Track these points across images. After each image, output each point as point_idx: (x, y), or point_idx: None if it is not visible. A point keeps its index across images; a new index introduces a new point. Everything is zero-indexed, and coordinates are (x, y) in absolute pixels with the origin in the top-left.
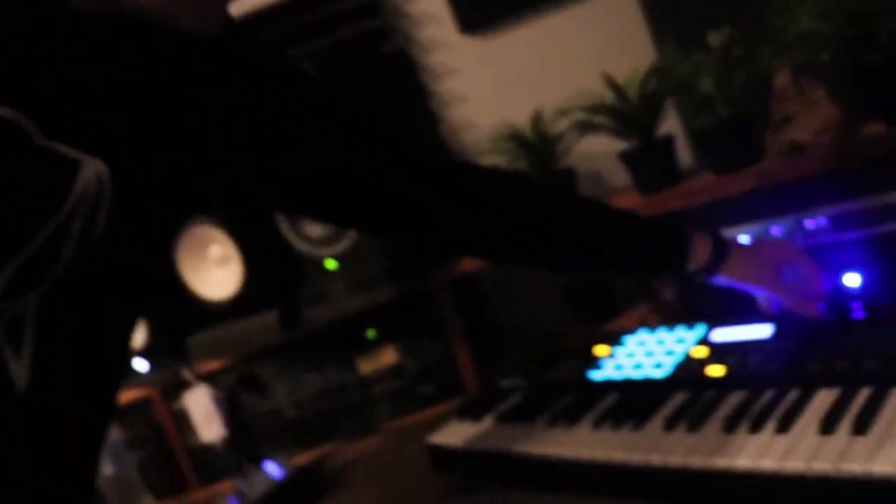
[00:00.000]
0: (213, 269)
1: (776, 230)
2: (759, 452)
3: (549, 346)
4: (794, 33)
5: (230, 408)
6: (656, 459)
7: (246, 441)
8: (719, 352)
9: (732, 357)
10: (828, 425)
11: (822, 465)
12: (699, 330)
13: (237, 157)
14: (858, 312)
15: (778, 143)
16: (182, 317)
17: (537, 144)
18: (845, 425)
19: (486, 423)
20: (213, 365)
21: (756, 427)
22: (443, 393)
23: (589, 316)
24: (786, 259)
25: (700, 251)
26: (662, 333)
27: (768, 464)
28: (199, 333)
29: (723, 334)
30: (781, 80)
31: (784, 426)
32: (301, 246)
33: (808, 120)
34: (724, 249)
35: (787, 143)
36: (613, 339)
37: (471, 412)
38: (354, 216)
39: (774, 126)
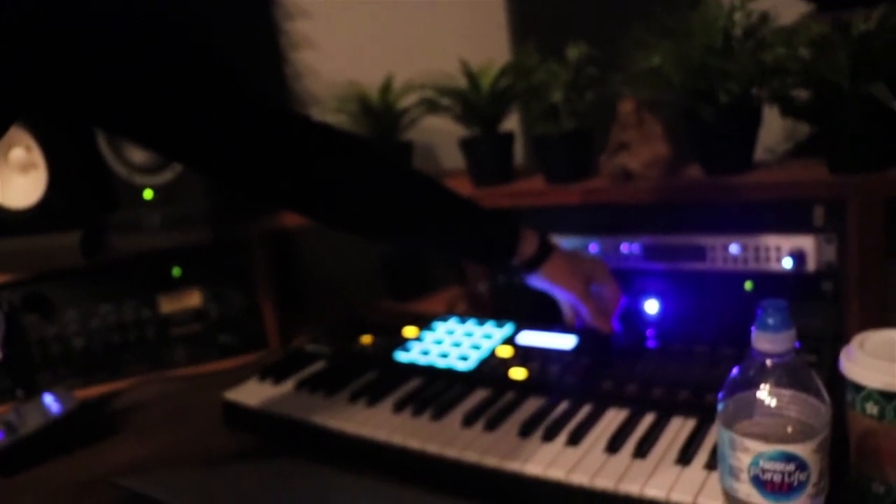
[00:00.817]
0: (14, 175)
1: (593, 247)
2: (549, 461)
3: (359, 317)
4: (644, 68)
5: (8, 328)
6: (452, 453)
7: (22, 367)
8: (523, 355)
9: (535, 362)
10: (614, 444)
11: (604, 482)
12: (507, 328)
13: (62, 60)
14: (652, 340)
15: (610, 166)
16: None
17: (382, 112)
18: (629, 446)
19: (287, 387)
20: None
21: (549, 436)
22: (243, 345)
23: (399, 291)
24: (597, 275)
25: (528, 246)
26: (472, 325)
27: (556, 473)
28: None
29: (529, 338)
30: (625, 106)
31: (575, 439)
32: (119, 169)
33: (641, 151)
34: (547, 251)
35: (619, 167)
36: (424, 323)
37: (272, 373)
38: (172, 146)
39: (610, 149)
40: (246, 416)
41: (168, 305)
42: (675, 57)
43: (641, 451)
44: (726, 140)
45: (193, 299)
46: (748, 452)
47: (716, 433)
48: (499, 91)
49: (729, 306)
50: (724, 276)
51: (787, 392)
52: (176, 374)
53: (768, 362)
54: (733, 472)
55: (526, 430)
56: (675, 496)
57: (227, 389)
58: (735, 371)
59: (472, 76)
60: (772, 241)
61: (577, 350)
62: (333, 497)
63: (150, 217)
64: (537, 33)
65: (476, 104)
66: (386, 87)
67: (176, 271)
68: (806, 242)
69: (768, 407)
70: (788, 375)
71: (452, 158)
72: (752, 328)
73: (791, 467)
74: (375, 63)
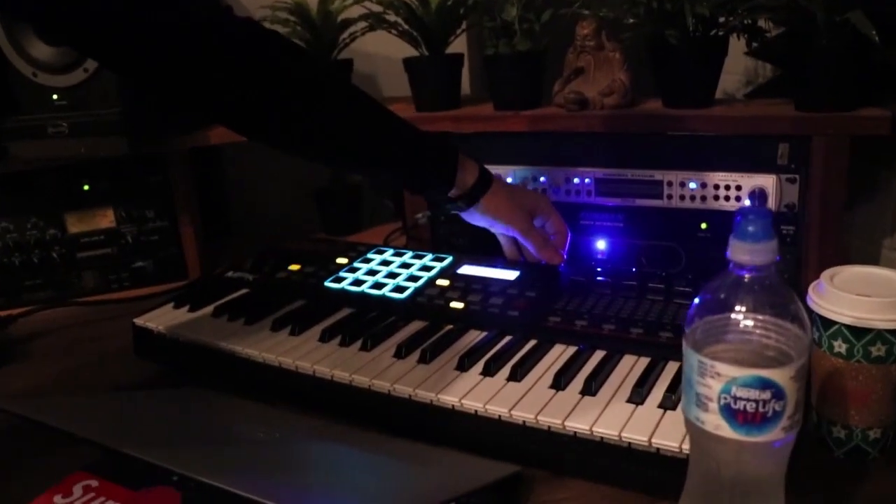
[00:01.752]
0: None
1: (543, 180)
2: (489, 396)
3: (287, 245)
4: None
5: None
6: (382, 386)
7: None
8: (464, 287)
9: (475, 294)
10: (560, 381)
11: (549, 418)
12: (447, 261)
13: None
14: (602, 277)
15: (564, 94)
16: None
17: (321, 26)
18: (577, 383)
19: (203, 314)
20: None
21: (490, 371)
22: (160, 273)
23: (334, 225)
24: (539, 209)
25: (467, 177)
26: (409, 258)
27: (496, 409)
28: None
29: (470, 270)
30: (583, 28)
31: (518, 374)
32: (22, 67)
33: (598, 78)
34: (487, 183)
35: (574, 95)
36: (357, 254)
37: (188, 299)
38: (83, 35)
39: (565, 75)
40: (157, 342)
41: (76, 225)
42: None
43: (590, 388)
44: (690, 69)
45: (105, 219)
46: (719, 378)
47: (672, 369)
48: (447, 7)
49: (683, 246)
50: (680, 213)
51: (764, 312)
52: (83, 300)
53: (746, 277)
54: (700, 402)
55: (464, 364)
56: (627, 434)
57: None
58: (706, 287)
59: None
60: (731, 178)
61: (520, 283)
62: (240, 426)
63: (57, 123)
64: None
65: (424, 21)
66: None
67: (86, 186)
68: (767, 181)
69: (743, 328)
70: (767, 293)
71: (395, 82)
72: (731, 237)
73: (766, 395)
74: None
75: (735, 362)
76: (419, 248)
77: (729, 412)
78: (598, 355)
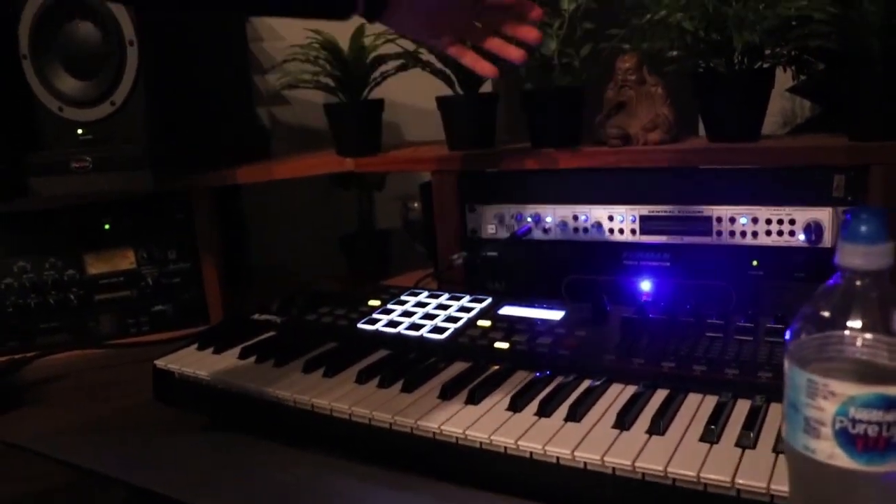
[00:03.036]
0: None
1: (584, 217)
2: (547, 437)
3: (313, 288)
4: (651, 20)
5: None
6: (428, 428)
7: None
8: (507, 326)
9: (521, 334)
10: (623, 420)
11: (617, 459)
12: (487, 302)
13: None
14: (652, 315)
15: (606, 129)
16: None
17: (352, 63)
18: (642, 422)
19: (229, 356)
20: None
21: (545, 411)
22: (180, 317)
23: (360, 270)
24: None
25: None
26: (446, 299)
27: (558, 450)
28: None
29: (511, 310)
30: (625, 63)
31: (575, 415)
32: (48, 101)
33: (641, 112)
34: None
35: (616, 130)
36: (389, 295)
37: (211, 341)
38: None
39: (606, 110)
40: (179, 386)
41: (95, 266)
42: (689, 4)
43: (658, 427)
44: (737, 102)
45: (125, 260)
46: (834, 398)
47: (743, 408)
48: None
49: (734, 285)
50: (730, 250)
51: (883, 322)
52: (101, 344)
53: (858, 283)
54: (810, 427)
55: (516, 405)
56: (706, 475)
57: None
58: (813, 298)
59: None
60: (784, 212)
61: (567, 322)
62: (271, 471)
63: (81, 158)
64: None
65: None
66: (359, 34)
67: (107, 225)
68: (823, 214)
69: (860, 341)
70: (884, 301)
71: (425, 121)
72: (839, 240)
73: (892, 416)
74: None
75: (853, 379)
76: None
77: (846, 438)
78: (661, 394)
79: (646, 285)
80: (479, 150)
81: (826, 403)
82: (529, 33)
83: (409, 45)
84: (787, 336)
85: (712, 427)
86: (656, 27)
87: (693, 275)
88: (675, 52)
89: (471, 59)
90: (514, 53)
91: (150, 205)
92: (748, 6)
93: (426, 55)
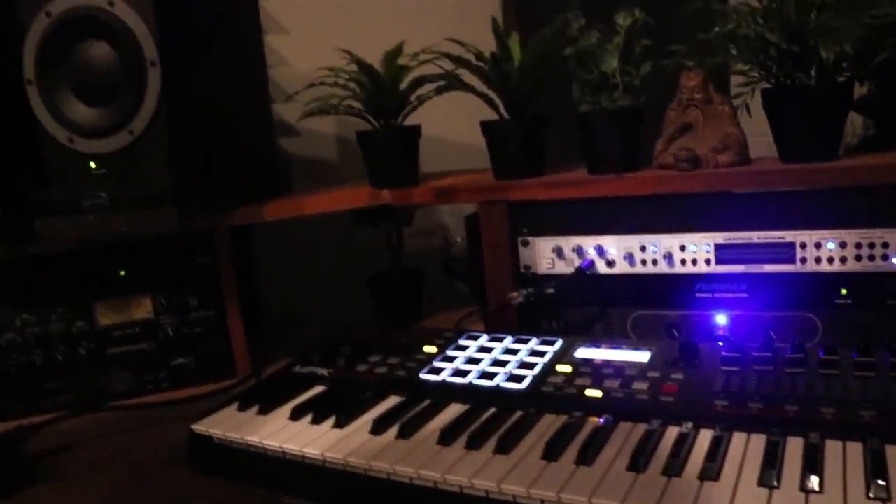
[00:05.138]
0: None
1: (654, 248)
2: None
3: (354, 334)
4: (721, 34)
5: None
6: (548, 497)
7: None
8: (591, 371)
9: (611, 379)
10: (765, 478)
11: None
12: (558, 345)
13: None
14: (755, 350)
15: (672, 152)
16: None
17: (388, 86)
18: (789, 479)
19: (278, 417)
20: None
21: (672, 470)
22: (203, 370)
23: (391, 311)
24: None
25: None
26: (511, 342)
27: None
28: None
29: (589, 352)
30: (690, 81)
31: (711, 472)
32: (56, 131)
33: (709, 133)
34: None
35: (683, 152)
36: (444, 340)
37: (254, 400)
38: None
39: (669, 132)
40: (222, 452)
41: (107, 316)
42: (768, 15)
43: (805, 484)
44: (816, 118)
45: (141, 309)
46: None
47: None
48: (532, 63)
49: (820, 315)
50: (815, 278)
51: None
52: (114, 405)
53: None
54: None
55: (638, 464)
56: None
57: (190, 423)
58: None
59: (502, 41)
60: (876, 235)
61: (657, 363)
62: None
63: (96, 195)
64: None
65: (511, 76)
66: (395, 54)
67: (122, 272)
68: None
69: None
70: None
71: (465, 147)
72: None
73: None
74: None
75: None
76: (503, 330)
77: None
78: (796, 444)
79: (721, 319)
80: (530, 177)
81: None
82: None
83: (449, 65)
84: None
85: (877, 483)
86: (724, 41)
87: (774, 306)
88: (745, 67)
89: None
90: None
91: (168, 247)
92: (831, 16)
93: (468, 76)
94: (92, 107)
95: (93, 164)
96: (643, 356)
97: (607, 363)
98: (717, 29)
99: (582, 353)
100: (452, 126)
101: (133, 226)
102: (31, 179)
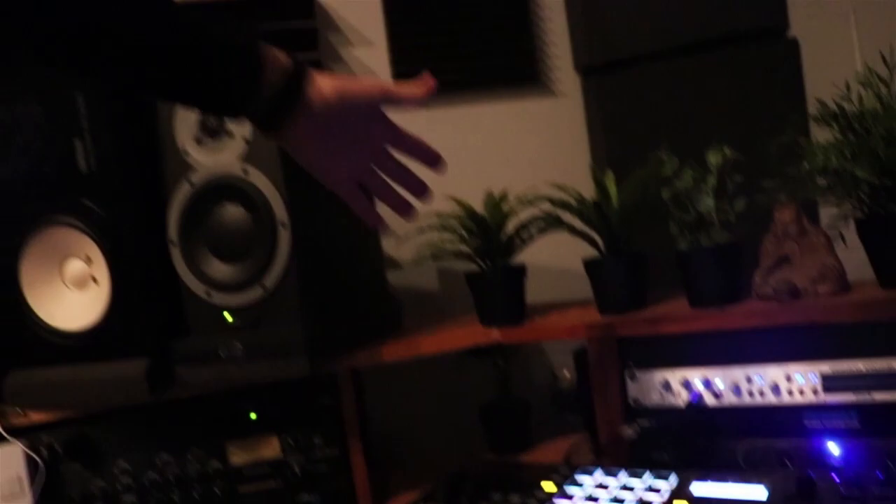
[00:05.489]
0: (69, 291)
1: (759, 379)
2: None
3: (468, 469)
4: (814, 169)
5: (47, 479)
6: None
7: None
8: None
9: None
10: None
11: None
12: (672, 479)
13: None
14: (877, 486)
15: (771, 284)
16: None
17: (493, 229)
18: None
19: None
20: (36, 417)
21: None
22: None
23: (501, 442)
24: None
25: (273, 75)
26: (626, 477)
27: None
28: (25, 371)
29: (705, 489)
30: (784, 215)
31: None
32: (195, 286)
33: (806, 264)
34: (298, 88)
35: (783, 284)
36: (561, 476)
37: None
38: None
39: (766, 265)
40: None
41: (239, 456)
42: (857, 149)
43: None
44: None
45: (270, 448)
46: None
47: None
48: (632, 204)
49: None
50: None
51: None
52: None
53: None
54: None
55: None
56: None
57: None
58: None
59: (602, 187)
60: None
61: (775, 499)
62: None
63: (232, 345)
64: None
65: (609, 217)
66: (500, 199)
67: (253, 415)
68: None
69: None
70: None
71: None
72: None
73: None
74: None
75: None
76: (610, 464)
77: None
78: None
79: (833, 448)
80: (633, 312)
81: None
82: (419, 188)
83: (549, 207)
84: None
85: None
86: (813, 177)
87: (888, 433)
88: (836, 200)
89: (361, 208)
90: (406, 210)
91: (295, 390)
92: None
93: (569, 217)
94: (227, 264)
95: (228, 316)
96: (760, 492)
97: (725, 501)
98: (806, 164)
99: (698, 488)
100: (551, 257)
101: (268, 374)
102: (175, 330)
